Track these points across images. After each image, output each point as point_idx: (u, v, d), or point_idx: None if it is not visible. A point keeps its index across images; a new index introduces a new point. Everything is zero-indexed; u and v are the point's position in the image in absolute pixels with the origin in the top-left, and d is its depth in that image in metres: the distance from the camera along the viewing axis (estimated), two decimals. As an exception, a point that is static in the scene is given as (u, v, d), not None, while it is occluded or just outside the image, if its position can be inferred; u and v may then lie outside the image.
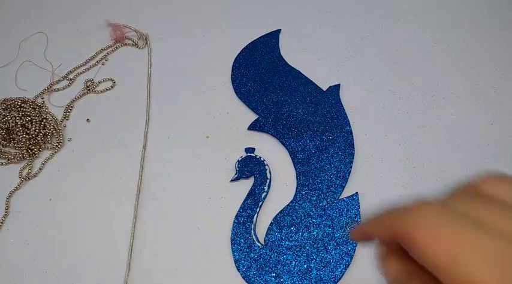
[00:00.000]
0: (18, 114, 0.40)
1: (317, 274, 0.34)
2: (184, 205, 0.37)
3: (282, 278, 0.34)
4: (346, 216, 0.36)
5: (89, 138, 0.41)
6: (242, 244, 0.35)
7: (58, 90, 0.44)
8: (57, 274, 0.34)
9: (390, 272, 0.19)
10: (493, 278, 0.16)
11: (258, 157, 0.39)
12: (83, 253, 0.35)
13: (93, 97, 0.44)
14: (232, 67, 0.44)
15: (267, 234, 0.36)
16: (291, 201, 0.37)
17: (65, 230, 0.36)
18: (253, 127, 0.41)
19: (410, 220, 0.18)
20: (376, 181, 0.38)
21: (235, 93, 0.43)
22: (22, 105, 0.41)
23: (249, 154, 0.39)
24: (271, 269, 0.34)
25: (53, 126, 0.41)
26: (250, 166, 0.38)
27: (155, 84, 0.44)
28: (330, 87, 0.42)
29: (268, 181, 0.38)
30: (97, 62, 0.46)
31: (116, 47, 0.46)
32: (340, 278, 0.34)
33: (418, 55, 0.45)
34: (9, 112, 0.40)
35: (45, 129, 0.41)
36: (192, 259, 0.35)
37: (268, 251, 0.35)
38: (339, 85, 0.43)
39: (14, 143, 0.40)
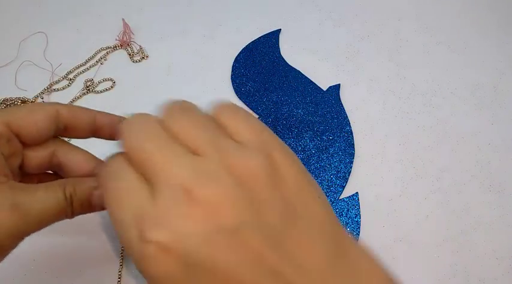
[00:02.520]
0: (18, 114, 0.40)
1: (317, 274, 0.34)
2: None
3: (282, 278, 0.34)
4: (346, 216, 0.36)
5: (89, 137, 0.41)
6: (242, 244, 0.35)
7: (58, 90, 0.44)
8: (57, 274, 0.34)
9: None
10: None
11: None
12: (83, 253, 0.35)
13: (93, 97, 0.44)
14: (232, 67, 0.44)
15: (267, 234, 0.36)
16: (291, 201, 0.37)
17: (64, 230, 0.36)
18: (253, 127, 0.41)
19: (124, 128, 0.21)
20: (376, 181, 0.38)
21: (235, 93, 0.43)
22: (22, 105, 0.41)
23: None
24: (271, 269, 0.34)
25: (53, 126, 0.41)
26: (250, 166, 0.38)
27: (155, 84, 0.44)
28: (330, 87, 0.42)
29: (268, 181, 0.38)
30: (96, 61, 0.46)
31: (116, 48, 0.46)
32: (340, 278, 0.34)
33: (418, 55, 0.45)
34: (9, 112, 0.40)
35: (45, 129, 0.41)
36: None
37: (268, 251, 0.35)
38: (339, 85, 0.43)
39: (14, 143, 0.40)
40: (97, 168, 0.25)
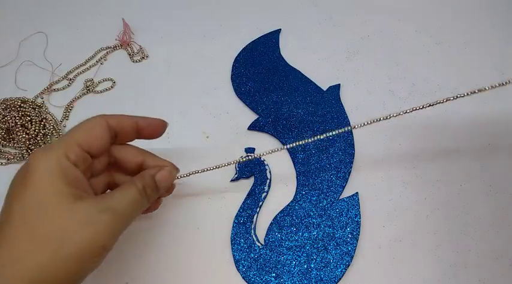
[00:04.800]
0: (18, 114, 0.40)
1: (317, 274, 0.34)
2: (184, 205, 0.37)
3: (282, 278, 0.34)
4: (346, 216, 0.36)
5: (88, 138, 0.41)
6: (242, 244, 0.35)
7: (58, 90, 0.44)
8: (57, 274, 0.34)
9: None
10: None
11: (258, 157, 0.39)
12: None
13: (93, 97, 0.44)
14: (232, 67, 0.44)
15: (267, 234, 0.36)
16: (291, 201, 0.37)
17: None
18: (253, 127, 0.41)
19: None
20: (376, 181, 0.38)
21: (235, 93, 0.43)
22: (22, 105, 0.41)
23: (249, 154, 0.39)
24: (271, 269, 0.34)
25: (53, 126, 0.41)
26: (250, 166, 0.38)
27: (155, 84, 0.44)
28: (330, 87, 0.42)
29: (268, 181, 0.38)
30: (96, 61, 0.46)
31: (116, 48, 0.46)
32: (340, 279, 0.34)
33: (418, 55, 0.45)
34: (9, 112, 0.40)
35: (45, 129, 0.41)
36: (192, 259, 0.35)
37: (268, 251, 0.35)
38: (339, 85, 0.43)
39: (14, 143, 0.40)
40: (146, 159, 0.31)
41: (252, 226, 0.36)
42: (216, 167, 0.34)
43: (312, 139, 0.32)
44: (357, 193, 0.37)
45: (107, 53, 0.46)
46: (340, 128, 0.39)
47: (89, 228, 0.25)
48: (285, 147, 0.33)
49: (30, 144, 0.40)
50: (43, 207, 0.24)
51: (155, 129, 0.32)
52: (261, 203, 0.37)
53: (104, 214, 0.25)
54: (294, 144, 0.33)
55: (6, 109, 0.41)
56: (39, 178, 0.25)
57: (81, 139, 0.27)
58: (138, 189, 0.28)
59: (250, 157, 0.34)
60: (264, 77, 0.43)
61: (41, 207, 0.24)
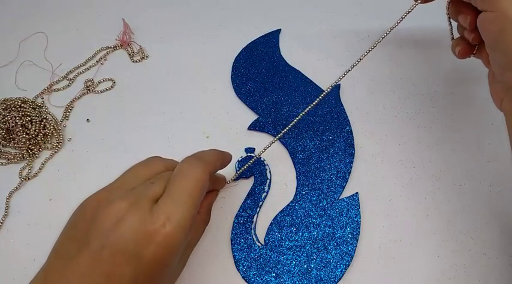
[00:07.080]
0: (18, 114, 0.40)
1: (317, 274, 0.34)
2: (184, 205, 0.37)
3: (282, 278, 0.34)
4: (346, 216, 0.36)
5: (89, 138, 0.41)
6: (242, 244, 0.35)
7: (58, 90, 0.44)
8: (57, 274, 0.34)
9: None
10: None
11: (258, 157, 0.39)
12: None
13: (93, 97, 0.44)
14: (232, 67, 0.44)
15: (267, 234, 0.36)
16: (291, 201, 0.37)
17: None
18: (253, 127, 0.41)
19: None
20: (376, 181, 0.38)
21: (235, 93, 0.43)
22: (22, 105, 0.41)
23: (249, 154, 0.39)
24: (272, 269, 0.34)
25: (53, 126, 0.41)
26: (250, 166, 0.38)
27: (155, 84, 0.44)
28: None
29: (268, 181, 0.38)
30: (96, 61, 0.46)
31: (116, 48, 0.46)
32: (340, 278, 0.34)
33: (418, 55, 0.45)
34: (9, 113, 0.40)
35: (45, 129, 0.41)
36: (192, 259, 0.35)
37: (268, 251, 0.35)
38: (339, 85, 0.43)
39: (14, 143, 0.40)
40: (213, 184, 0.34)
41: (252, 226, 0.36)
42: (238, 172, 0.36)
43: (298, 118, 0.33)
44: (357, 193, 0.37)
45: (107, 53, 0.46)
46: (340, 128, 0.40)
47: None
48: (276, 138, 0.35)
49: (30, 144, 0.40)
50: (169, 270, 0.26)
51: (227, 164, 0.34)
52: (261, 203, 0.37)
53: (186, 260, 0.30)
54: (285, 130, 0.33)
55: (6, 109, 0.41)
56: (176, 244, 0.25)
57: (198, 203, 0.27)
58: (207, 225, 0.32)
59: (250, 156, 0.34)
60: (264, 77, 0.43)
61: (165, 270, 0.26)
